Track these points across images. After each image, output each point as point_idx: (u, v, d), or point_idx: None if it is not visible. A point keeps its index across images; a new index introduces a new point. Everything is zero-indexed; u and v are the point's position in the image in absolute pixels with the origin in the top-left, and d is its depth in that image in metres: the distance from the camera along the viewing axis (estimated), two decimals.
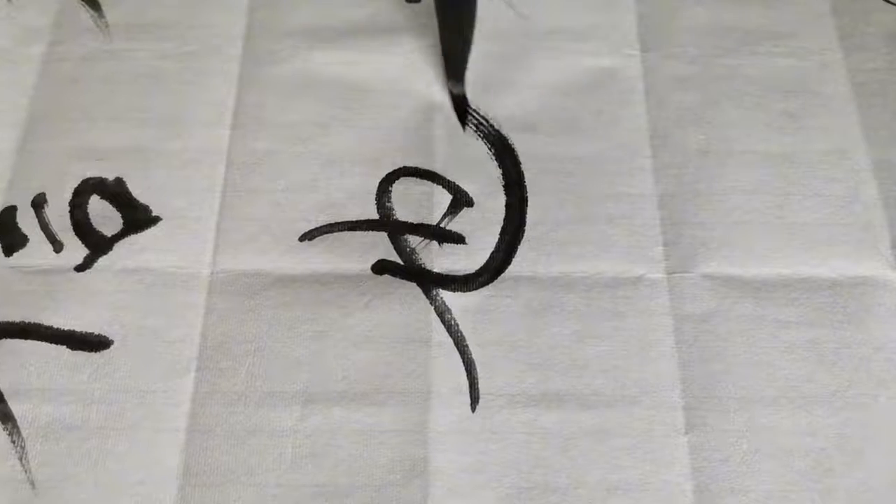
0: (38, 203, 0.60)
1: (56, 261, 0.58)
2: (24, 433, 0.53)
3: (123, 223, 0.59)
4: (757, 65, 0.65)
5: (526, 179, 0.61)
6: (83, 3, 0.67)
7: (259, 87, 0.64)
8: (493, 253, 0.59)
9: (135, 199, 0.60)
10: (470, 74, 0.65)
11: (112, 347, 0.55)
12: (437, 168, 0.62)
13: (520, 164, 0.62)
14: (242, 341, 0.55)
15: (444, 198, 0.61)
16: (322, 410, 0.53)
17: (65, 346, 0.55)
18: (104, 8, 0.67)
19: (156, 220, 0.59)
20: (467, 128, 0.63)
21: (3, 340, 0.55)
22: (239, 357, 0.55)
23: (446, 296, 0.57)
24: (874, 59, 0.66)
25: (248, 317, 0.56)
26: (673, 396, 0.54)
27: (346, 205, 0.60)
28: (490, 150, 0.63)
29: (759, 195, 0.60)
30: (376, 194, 0.61)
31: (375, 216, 0.60)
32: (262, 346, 0.55)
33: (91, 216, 0.59)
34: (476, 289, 0.57)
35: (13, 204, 0.60)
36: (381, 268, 0.58)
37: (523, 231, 0.60)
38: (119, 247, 0.58)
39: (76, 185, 0.60)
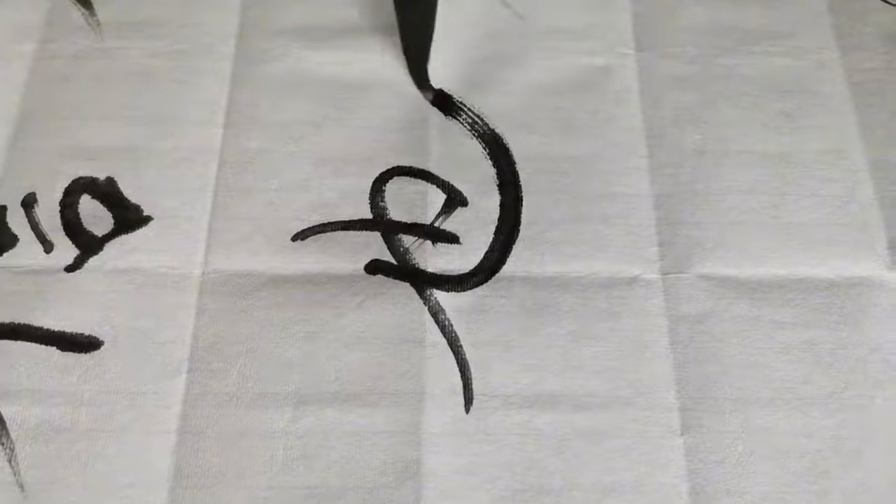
0: (29, 203, 0.59)
1: (46, 261, 0.57)
2: (13, 435, 0.52)
3: (114, 223, 0.58)
4: (754, 64, 0.65)
5: (521, 179, 0.61)
6: (75, 1, 0.67)
7: (251, 85, 0.64)
8: (487, 253, 0.58)
9: (126, 199, 0.59)
10: (466, 74, 0.64)
11: (102, 349, 0.54)
12: (431, 167, 0.61)
13: (514, 163, 0.61)
14: (234, 342, 0.55)
15: (439, 197, 0.60)
16: (314, 412, 0.53)
17: (55, 348, 0.54)
18: (96, 6, 0.66)
19: (147, 219, 0.58)
20: (462, 126, 0.63)
21: None
22: (230, 358, 0.54)
23: (440, 296, 0.57)
24: (871, 59, 0.65)
25: (240, 317, 0.55)
26: (668, 398, 0.54)
27: (339, 204, 0.60)
28: (484, 149, 0.62)
29: (756, 195, 0.60)
30: (370, 194, 0.60)
31: (369, 216, 0.59)
32: (253, 347, 0.55)
33: (82, 216, 0.59)
34: (470, 289, 0.57)
35: (3, 203, 0.59)
36: (374, 268, 0.57)
37: (518, 231, 0.59)
38: (110, 247, 0.58)
39: (67, 185, 0.60)
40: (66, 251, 0.57)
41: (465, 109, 0.63)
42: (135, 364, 0.54)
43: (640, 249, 0.58)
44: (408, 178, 0.61)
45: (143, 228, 0.58)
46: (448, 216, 0.59)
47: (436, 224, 0.59)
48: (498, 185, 0.61)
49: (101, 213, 0.59)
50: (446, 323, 0.56)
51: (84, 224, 0.58)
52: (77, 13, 0.66)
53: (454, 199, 0.60)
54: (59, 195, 0.59)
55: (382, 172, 0.61)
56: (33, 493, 0.51)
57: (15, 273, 0.57)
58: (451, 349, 0.55)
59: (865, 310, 0.56)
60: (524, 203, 0.60)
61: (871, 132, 0.62)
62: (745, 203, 0.60)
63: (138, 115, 0.62)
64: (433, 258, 0.58)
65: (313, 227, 0.59)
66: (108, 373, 0.54)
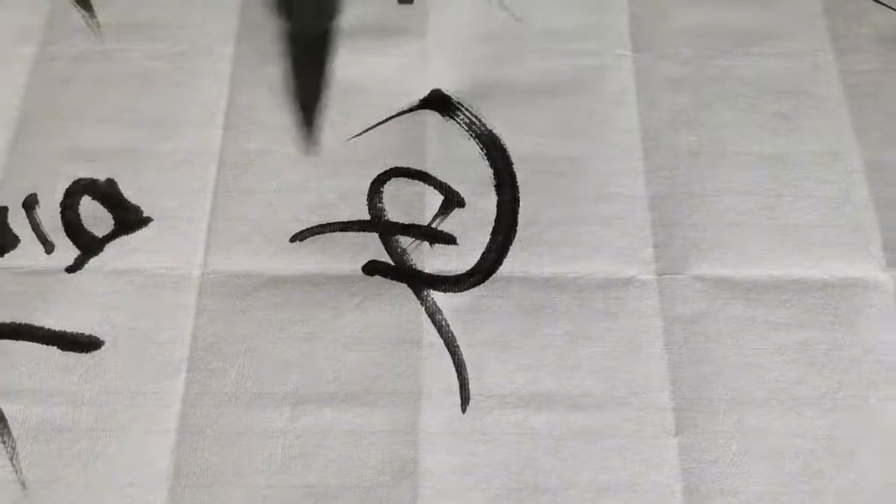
0: (30, 204, 0.60)
1: (47, 262, 0.58)
2: (14, 434, 0.53)
3: (114, 224, 0.59)
4: (750, 66, 0.65)
5: (518, 179, 0.61)
6: (75, 3, 0.67)
7: (251, 87, 0.64)
8: (484, 253, 0.59)
9: (126, 200, 0.60)
10: (464, 75, 0.65)
11: (103, 348, 0.55)
12: (429, 168, 0.62)
13: (511, 164, 0.62)
14: (233, 342, 0.55)
15: (436, 198, 0.61)
16: (312, 411, 0.53)
17: (56, 348, 0.55)
18: (96, 8, 0.67)
19: (147, 220, 0.59)
20: (459, 127, 0.63)
21: None
22: (229, 358, 0.55)
23: (437, 296, 0.57)
24: (867, 61, 0.66)
25: (239, 318, 0.56)
26: (662, 398, 0.54)
27: (338, 205, 0.60)
28: (482, 149, 0.63)
29: (751, 196, 0.60)
30: (368, 195, 0.61)
31: (367, 217, 0.60)
32: (252, 347, 0.55)
33: (82, 217, 0.59)
34: (467, 289, 0.58)
35: (4, 205, 0.60)
36: (372, 268, 0.58)
37: (515, 231, 0.60)
38: (110, 248, 0.58)
39: (67, 186, 0.60)
40: (67, 252, 0.58)
41: (463, 110, 0.64)
42: (135, 364, 0.55)
43: (637, 250, 0.59)
44: (405, 179, 0.61)
45: (143, 229, 0.59)
46: (445, 217, 0.60)
47: (433, 225, 0.60)
48: (495, 186, 0.61)
49: (101, 214, 0.59)
50: (443, 323, 0.56)
51: (85, 225, 0.59)
52: (77, 15, 0.67)
53: (451, 200, 0.60)
54: (59, 196, 0.60)
55: (380, 173, 0.61)
56: (35, 491, 0.51)
57: (16, 274, 0.57)
58: (448, 349, 0.55)
59: (860, 311, 0.57)
60: (521, 204, 0.60)
61: (866, 134, 0.63)
62: (740, 204, 0.60)
63: (138, 117, 0.63)
64: (430, 259, 0.58)
65: (312, 228, 0.59)
66: (109, 372, 0.54)
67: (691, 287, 0.57)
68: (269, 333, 0.56)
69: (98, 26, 0.66)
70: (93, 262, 0.58)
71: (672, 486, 0.52)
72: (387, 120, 0.63)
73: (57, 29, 0.66)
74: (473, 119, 0.63)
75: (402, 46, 0.66)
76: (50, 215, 0.59)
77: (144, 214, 0.59)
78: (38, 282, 0.57)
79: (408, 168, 0.61)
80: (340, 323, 0.56)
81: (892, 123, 0.63)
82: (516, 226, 0.60)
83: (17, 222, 0.59)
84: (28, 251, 0.58)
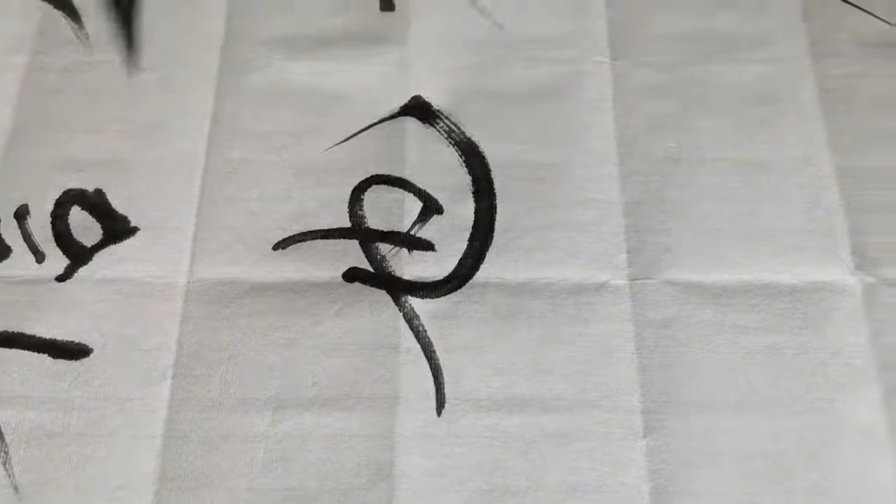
0: (21, 214, 0.61)
1: (38, 271, 0.60)
2: (7, 439, 0.55)
3: (103, 234, 0.61)
4: (728, 72, 0.66)
5: (495, 186, 0.63)
6: (64, 14, 0.69)
7: (235, 96, 0.66)
8: (461, 259, 0.60)
9: (114, 210, 0.61)
10: (446, 82, 0.66)
11: (92, 356, 0.57)
12: (408, 175, 0.63)
13: (489, 171, 0.63)
14: (217, 349, 0.57)
15: (415, 205, 0.62)
16: (293, 416, 0.55)
17: (46, 355, 0.57)
18: (84, 19, 0.68)
19: (134, 230, 0.61)
20: (439, 134, 0.64)
21: None
22: (213, 364, 0.57)
23: (415, 302, 0.59)
24: (844, 65, 0.66)
25: (223, 325, 0.58)
26: (632, 400, 0.56)
27: (319, 213, 0.62)
28: (461, 156, 0.64)
29: (723, 202, 0.61)
30: (349, 202, 0.62)
31: (348, 224, 0.61)
32: (235, 353, 0.57)
33: (72, 227, 0.61)
34: (444, 295, 0.59)
35: None
36: (352, 275, 0.59)
37: (492, 238, 0.61)
38: (98, 257, 0.60)
39: (58, 197, 0.62)
40: (57, 261, 0.60)
41: (442, 117, 0.65)
42: (123, 370, 0.57)
43: (610, 256, 0.60)
44: (385, 187, 0.63)
45: (131, 239, 0.61)
46: (424, 224, 0.61)
47: (412, 232, 0.61)
48: (473, 193, 0.62)
49: (90, 224, 0.61)
50: (420, 329, 0.58)
51: (74, 235, 0.61)
52: (66, 26, 0.68)
53: (430, 207, 0.62)
54: (50, 207, 0.62)
55: (361, 181, 0.63)
56: (27, 494, 0.53)
57: (8, 283, 0.59)
58: (425, 354, 0.57)
59: (828, 314, 0.58)
60: (498, 210, 0.62)
61: (839, 139, 0.64)
62: (712, 210, 0.61)
63: (126, 128, 0.64)
64: (409, 265, 0.60)
65: (293, 235, 0.61)
66: (98, 379, 0.56)
67: (662, 292, 0.59)
68: (252, 340, 0.57)
69: (87, 37, 0.68)
70: (82, 272, 0.60)
71: (639, 487, 0.53)
72: (368, 128, 0.64)
73: (48, 39, 0.68)
74: (453, 126, 0.65)
75: (384, 54, 0.67)
76: (41, 225, 0.61)
77: (132, 224, 0.61)
78: (29, 291, 0.59)
79: (388, 175, 0.63)
80: (321, 329, 0.58)
81: (865, 128, 0.64)
82: (493, 232, 0.61)
83: (9, 232, 0.61)
84: (20, 261, 0.60)
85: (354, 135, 0.64)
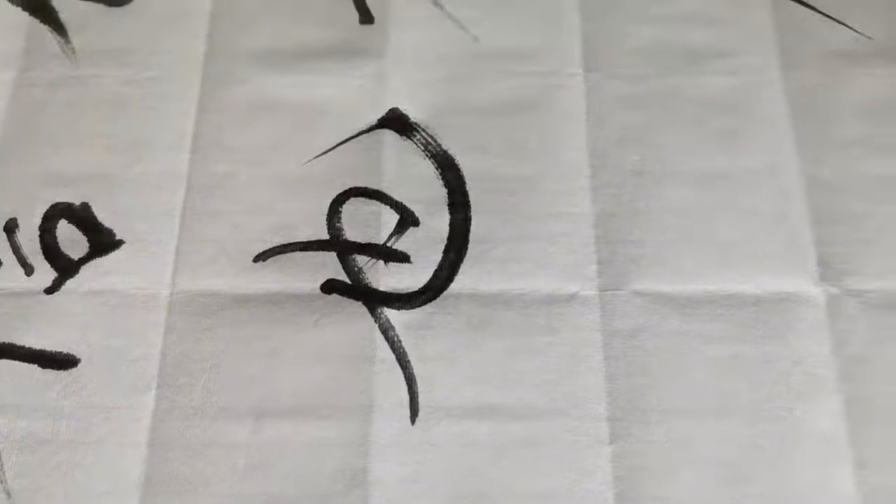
0: (10, 228, 0.63)
1: (27, 283, 0.62)
2: (0, 446, 0.57)
3: (89, 247, 0.63)
4: (697, 84, 0.67)
5: (470, 198, 0.64)
6: (50, 28, 0.70)
7: (217, 110, 0.67)
8: (436, 271, 0.62)
9: (100, 224, 0.63)
10: (424, 96, 0.67)
11: (80, 366, 0.59)
12: (385, 187, 0.65)
13: (465, 183, 0.65)
14: (199, 359, 0.59)
15: (392, 217, 0.64)
16: (273, 424, 0.57)
17: (36, 365, 0.59)
18: (70, 34, 0.70)
19: (119, 243, 0.63)
20: (416, 147, 0.66)
21: None
22: (196, 374, 0.59)
23: (390, 313, 0.61)
24: (812, 76, 0.67)
25: (205, 335, 0.60)
26: (599, 408, 0.58)
27: (299, 225, 0.64)
28: (437, 169, 0.66)
29: (691, 214, 0.63)
30: (327, 215, 0.64)
31: (326, 236, 0.63)
32: (217, 363, 0.59)
33: (59, 240, 0.63)
34: (419, 306, 0.61)
35: None
36: (330, 287, 0.61)
37: (466, 249, 0.63)
38: (85, 269, 0.62)
39: (45, 210, 0.64)
40: (46, 274, 0.62)
41: (420, 130, 0.67)
42: (109, 380, 0.59)
43: (581, 267, 0.62)
44: (363, 199, 0.64)
45: (116, 252, 0.63)
46: (400, 236, 0.63)
47: (388, 244, 0.63)
48: (448, 205, 0.64)
49: (77, 238, 0.63)
50: (395, 339, 0.60)
51: (62, 248, 0.63)
52: (53, 40, 0.70)
53: (407, 220, 0.64)
54: (38, 220, 0.64)
55: (339, 194, 0.64)
56: (19, 500, 0.56)
57: None
58: (400, 364, 0.59)
59: (791, 324, 0.60)
60: (473, 222, 0.64)
61: (807, 149, 0.65)
62: (680, 221, 0.63)
63: (111, 142, 0.66)
64: (385, 277, 0.62)
65: (274, 248, 0.63)
66: (85, 388, 0.59)
67: (631, 302, 0.61)
68: (234, 350, 0.60)
69: (73, 52, 0.70)
70: (69, 284, 0.62)
71: (604, 493, 0.56)
72: (346, 141, 0.66)
73: (35, 54, 0.69)
74: (429, 139, 0.66)
75: (362, 67, 0.68)
76: (29, 238, 0.63)
77: (117, 237, 0.63)
78: (18, 303, 0.61)
79: (365, 188, 0.65)
80: (299, 340, 0.60)
81: (833, 138, 0.65)
82: (468, 244, 0.63)
83: None
84: (9, 273, 0.62)
85: (333, 147, 0.66)
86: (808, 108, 0.66)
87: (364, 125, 0.67)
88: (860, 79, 0.67)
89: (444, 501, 0.56)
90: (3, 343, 0.60)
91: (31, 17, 0.70)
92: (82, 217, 0.64)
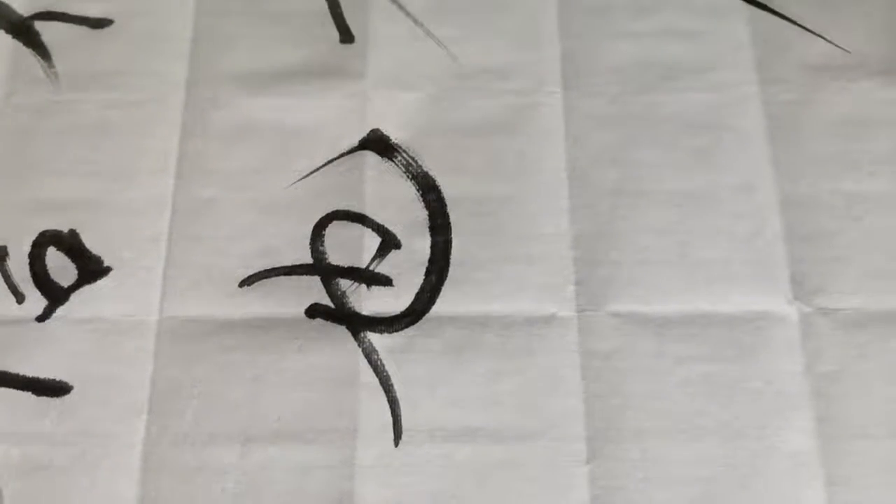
0: (1, 256, 0.65)
1: (19, 312, 0.63)
2: (0, 472, 0.59)
3: (78, 274, 0.64)
4: (673, 101, 0.68)
5: (451, 220, 0.66)
6: (34, 52, 0.71)
7: (201, 134, 0.68)
8: (418, 294, 0.63)
9: (88, 251, 0.65)
10: (404, 116, 0.68)
11: (72, 393, 0.61)
12: (366, 209, 0.66)
13: (445, 205, 0.66)
14: (188, 385, 0.61)
15: (374, 241, 0.65)
16: (260, 449, 0.59)
17: (30, 392, 0.61)
18: (54, 58, 0.71)
19: (107, 270, 0.64)
20: (397, 168, 0.67)
21: None
22: (185, 400, 0.61)
23: (373, 337, 0.62)
24: (790, 91, 0.68)
25: (193, 361, 0.61)
26: (577, 428, 0.59)
27: (283, 250, 0.65)
28: (418, 191, 0.66)
29: (666, 233, 0.64)
30: (311, 238, 0.65)
31: (310, 260, 0.65)
32: (205, 389, 0.61)
33: (49, 267, 0.64)
34: (402, 329, 0.62)
35: None
36: (313, 312, 0.63)
37: (447, 272, 0.64)
38: (75, 297, 0.63)
39: (34, 238, 0.65)
40: (36, 302, 0.63)
41: (400, 151, 0.67)
42: (101, 407, 0.60)
43: (559, 288, 0.63)
44: (345, 222, 0.66)
45: (104, 279, 0.64)
46: (383, 259, 0.64)
47: (371, 267, 0.64)
48: (429, 228, 0.65)
49: (66, 265, 0.64)
50: (378, 363, 0.61)
51: (51, 275, 0.64)
52: (36, 65, 0.70)
53: (388, 242, 0.65)
54: (27, 248, 0.65)
55: (322, 217, 0.65)
56: None
57: None
58: (383, 388, 0.61)
59: (764, 343, 0.61)
60: (454, 244, 0.65)
61: (784, 166, 0.66)
62: (655, 241, 0.64)
63: (96, 168, 0.67)
64: (368, 301, 0.63)
65: (258, 273, 0.64)
66: (78, 415, 0.60)
67: (607, 323, 0.62)
68: (220, 376, 0.61)
69: (56, 76, 0.70)
70: (60, 311, 0.63)
71: None
72: (328, 163, 0.67)
73: (18, 79, 0.70)
74: (410, 160, 0.67)
75: (342, 88, 0.69)
76: (19, 266, 0.64)
77: (105, 264, 0.64)
78: (11, 331, 0.63)
79: (347, 211, 0.66)
80: (284, 365, 0.61)
81: (810, 155, 0.66)
82: (449, 266, 0.64)
83: None
84: (1, 302, 0.63)
85: (315, 170, 0.67)
86: (785, 123, 0.67)
87: (346, 146, 0.68)
88: (837, 93, 0.68)
89: None
90: None
91: (14, 41, 0.71)
92: (71, 244, 0.65)
